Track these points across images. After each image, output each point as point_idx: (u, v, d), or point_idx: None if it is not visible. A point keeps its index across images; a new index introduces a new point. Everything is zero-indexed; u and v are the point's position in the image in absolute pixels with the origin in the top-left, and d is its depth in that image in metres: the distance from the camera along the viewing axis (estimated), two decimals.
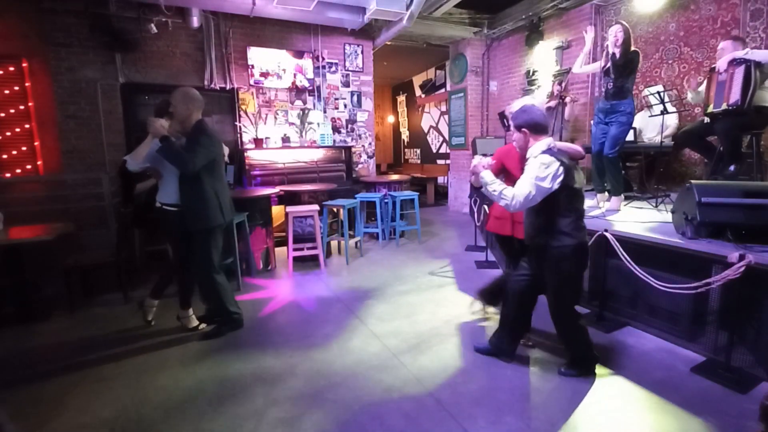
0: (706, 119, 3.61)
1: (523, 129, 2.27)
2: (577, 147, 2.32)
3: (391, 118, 13.13)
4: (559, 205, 2.18)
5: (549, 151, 2.16)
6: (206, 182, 2.81)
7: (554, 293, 2.35)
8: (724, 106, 3.28)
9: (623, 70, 3.49)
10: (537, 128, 2.25)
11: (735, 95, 3.20)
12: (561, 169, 2.11)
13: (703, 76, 3.75)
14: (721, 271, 2.32)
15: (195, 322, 3.14)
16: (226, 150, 3.14)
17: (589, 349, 2.44)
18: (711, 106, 3.43)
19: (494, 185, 2.24)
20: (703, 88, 3.66)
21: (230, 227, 3.94)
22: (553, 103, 5.32)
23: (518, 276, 2.50)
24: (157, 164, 2.86)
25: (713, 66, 3.49)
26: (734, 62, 3.23)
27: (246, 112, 6.04)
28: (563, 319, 2.39)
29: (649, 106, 4.36)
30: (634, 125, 4.78)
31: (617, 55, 3.46)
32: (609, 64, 3.54)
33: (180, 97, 2.85)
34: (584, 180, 2.31)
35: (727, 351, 2.40)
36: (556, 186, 2.11)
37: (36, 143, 4.93)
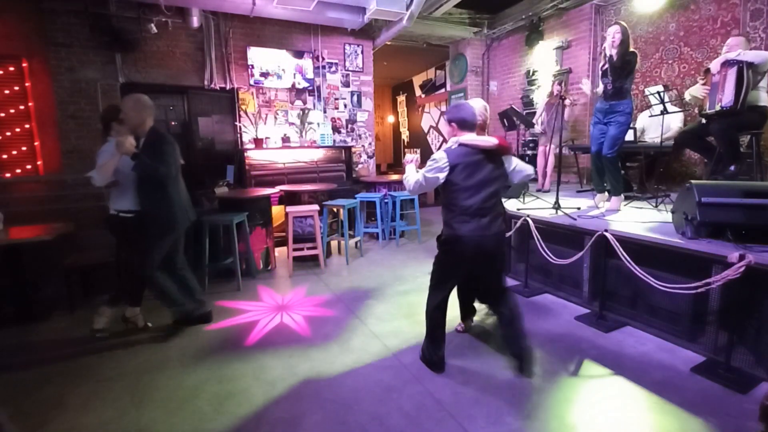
0: (702, 120, 3.62)
1: (452, 123, 2.44)
2: (487, 138, 2.35)
3: (391, 118, 13.13)
4: (447, 198, 2.39)
5: (449, 147, 2.37)
6: (171, 188, 2.87)
7: None
8: (717, 107, 3.29)
9: (621, 72, 3.47)
10: (463, 124, 2.41)
11: (728, 96, 3.20)
12: (447, 165, 2.31)
13: (702, 78, 3.70)
14: (721, 271, 2.32)
15: (142, 322, 3.16)
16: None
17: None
18: (706, 107, 3.44)
19: (406, 172, 2.60)
20: (697, 89, 3.64)
21: (230, 227, 3.95)
22: (546, 119, 5.36)
23: None
24: (119, 176, 2.87)
25: (707, 67, 3.50)
26: (727, 63, 3.23)
27: (246, 112, 6.04)
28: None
29: (650, 106, 4.37)
30: (636, 125, 4.79)
31: (614, 57, 3.46)
32: (607, 66, 3.54)
33: (132, 104, 2.85)
34: (487, 176, 2.32)
35: (727, 351, 2.40)
36: (441, 178, 2.33)
37: (36, 143, 4.93)
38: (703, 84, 3.57)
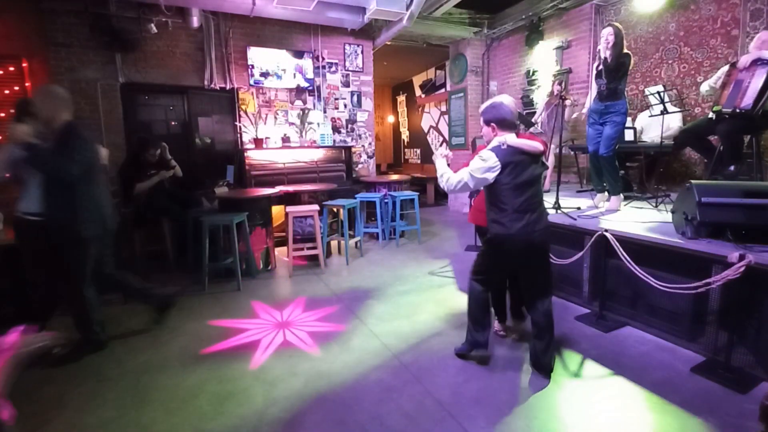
0: (712, 115, 3.41)
1: (492, 124, 2.42)
2: (534, 143, 2.34)
3: (391, 118, 13.13)
4: (495, 197, 2.35)
5: (496, 147, 2.33)
6: (83, 190, 2.63)
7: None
8: (733, 108, 3.14)
9: (615, 73, 3.47)
10: (503, 124, 2.39)
11: (749, 98, 3.05)
12: (498, 165, 2.28)
13: (726, 72, 3.41)
14: (721, 271, 2.32)
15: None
16: (105, 152, 2.93)
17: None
18: (721, 105, 3.27)
19: (441, 169, 2.52)
20: (716, 80, 3.46)
21: (230, 227, 3.95)
22: (545, 116, 5.36)
23: None
24: (17, 171, 2.61)
25: (734, 61, 3.34)
26: (759, 62, 3.08)
27: (246, 112, 6.04)
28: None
29: (650, 106, 4.36)
30: (636, 125, 4.79)
31: (609, 59, 3.45)
32: (602, 67, 3.53)
33: (41, 97, 2.63)
34: (532, 174, 2.32)
35: (727, 351, 2.40)
36: (490, 179, 2.30)
37: None
38: (728, 77, 3.34)
